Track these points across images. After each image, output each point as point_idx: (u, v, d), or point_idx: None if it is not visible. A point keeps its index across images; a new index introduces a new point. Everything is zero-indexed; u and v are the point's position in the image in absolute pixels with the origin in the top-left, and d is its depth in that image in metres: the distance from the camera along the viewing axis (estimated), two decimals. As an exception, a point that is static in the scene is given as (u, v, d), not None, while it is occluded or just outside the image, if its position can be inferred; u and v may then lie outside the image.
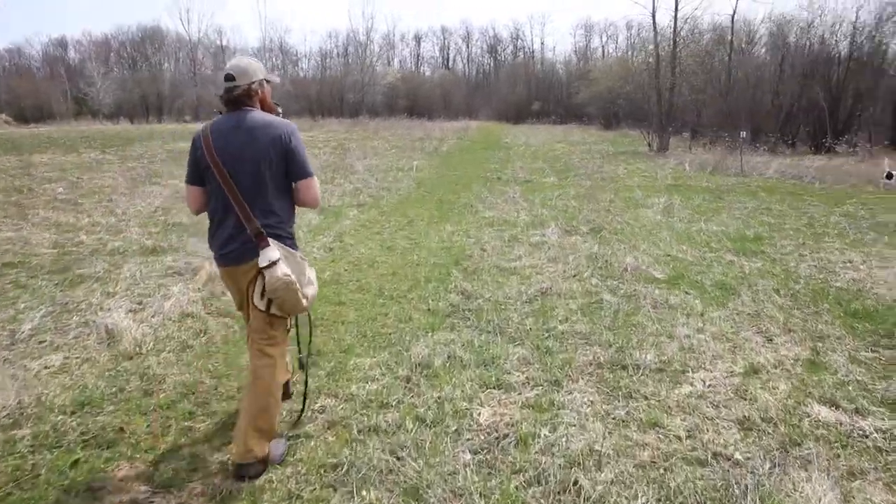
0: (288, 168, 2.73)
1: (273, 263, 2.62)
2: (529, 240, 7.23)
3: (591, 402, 3.39)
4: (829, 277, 5.87)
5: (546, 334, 4.32)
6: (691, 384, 3.61)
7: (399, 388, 3.53)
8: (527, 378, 3.66)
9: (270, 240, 2.67)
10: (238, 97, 2.70)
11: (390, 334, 4.37)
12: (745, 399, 3.44)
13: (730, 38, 25.30)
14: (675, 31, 21.04)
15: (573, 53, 61.62)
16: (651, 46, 21.92)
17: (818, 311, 4.92)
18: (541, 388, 3.54)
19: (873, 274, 5.96)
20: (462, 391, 3.47)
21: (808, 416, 3.26)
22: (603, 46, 65.19)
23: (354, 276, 5.78)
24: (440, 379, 3.63)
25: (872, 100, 22.66)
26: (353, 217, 8.70)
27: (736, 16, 26.25)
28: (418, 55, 68.67)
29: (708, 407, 3.35)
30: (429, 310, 4.84)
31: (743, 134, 15.60)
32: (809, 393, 3.52)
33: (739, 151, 15.36)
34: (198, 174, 2.74)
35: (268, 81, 2.83)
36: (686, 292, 5.32)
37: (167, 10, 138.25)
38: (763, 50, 25.64)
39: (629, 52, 59.28)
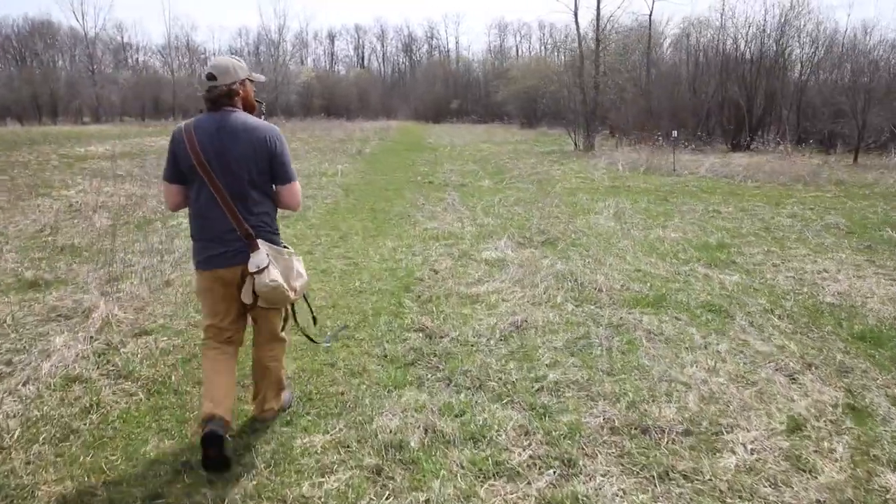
0: (272, 172, 2.77)
1: (261, 270, 2.68)
2: (482, 256, 6.43)
3: (623, 490, 2.60)
4: (814, 291, 5.40)
5: (536, 386, 3.51)
6: (733, 451, 2.89)
7: (368, 486, 2.62)
8: (531, 457, 2.83)
9: (259, 241, 2.72)
10: (219, 97, 2.69)
11: (342, 394, 3.43)
12: (805, 470, 2.76)
13: (648, 37, 25.63)
14: (597, 28, 20.96)
15: (488, 52, 61.86)
16: (575, 44, 21.76)
17: (823, 335, 4.39)
18: (552, 471, 2.72)
19: (855, 286, 5.55)
20: (455, 487, 2.60)
21: (887, 491, 2.62)
22: (517, 46, 65.81)
23: (287, 312, 4.78)
24: (421, 467, 2.74)
25: (781, 99, 23.47)
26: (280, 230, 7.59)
27: (653, 16, 26.69)
28: (332, 54, 66.91)
29: (766, 486, 2.64)
30: (386, 356, 3.93)
31: (675, 133, 15.58)
32: (874, 456, 2.88)
33: (673, 151, 15.26)
34: (178, 172, 2.72)
35: (251, 80, 2.84)
36: (676, 318, 4.67)
37: (58, 1, 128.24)
38: (679, 50, 26.15)
39: (543, 52, 60.26)
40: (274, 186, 2.81)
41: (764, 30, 22.58)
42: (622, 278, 5.67)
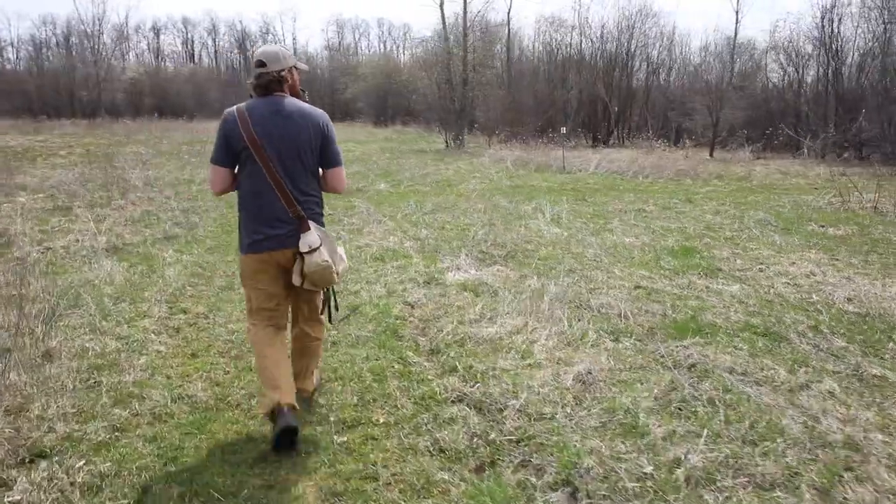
0: (323, 155, 2.83)
1: (313, 250, 2.71)
2: (452, 279, 5.33)
3: None
4: (827, 298, 4.99)
5: (680, 478, 2.53)
6: None
7: None
8: None
9: (310, 222, 2.75)
10: (269, 83, 2.73)
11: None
12: None
13: (508, 33, 25.74)
14: (465, 25, 20.46)
15: (326, 49, 59.65)
16: (426, 40, 21.10)
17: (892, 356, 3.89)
18: None
19: (857, 289, 5.24)
20: None
21: None
22: (356, 43, 64.30)
23: (239, 383, 3.33)
24: None
25: (645, 97, 24.77)
26: (174, 260, 5.88)
27: (512, 14, 26.86)
28: (158, 49, 60.71)
29: None
30: (444, 452, 2.71)
31: (563, 129, 15.43)
32: None
33: (562, 148, 15.08)
34: (229, 155, 2.73)
35: (297, 68, 2.87)
36: (735, 347, 3.93)
37: None
38: (538, 48, 26.61)
39: (383, 49, 59.43)
40: (321, 170, 2.88)
41: (620, 30, 23.54)
42: (630, 298, 4.88)
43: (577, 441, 2.78)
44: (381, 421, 2.98)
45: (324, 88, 48.11)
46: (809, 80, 21.02)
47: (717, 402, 3.16)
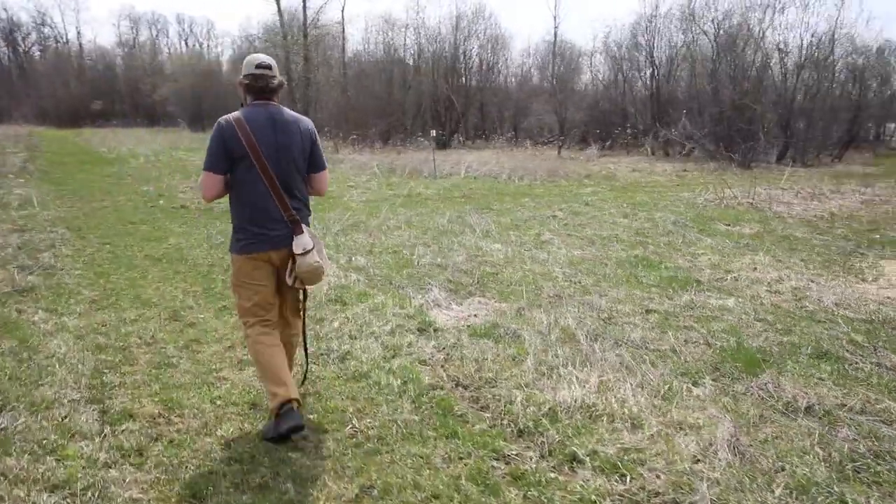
0: (311, 160, 2.97)
1: (307, 252, 2.84)
2: (444, 320, 4.45)
3: None
4: (821, 306, 4.93)
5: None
6: None
7: None
8: None
9: (303, 226, 2.88)
10: (275, 88, 2.86)
11: None
12: None
13: (342, 32, 24.56)
14: (305, 22, 19.04)
15: (119, 46, 53.17)
16: (280, 37, 19.43)
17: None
18: None
19: (835, 291, 5.29)
20: None
21: None
22: (154, 40, 58.20)
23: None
24: None
25: (470, 99, 25.00)
26: (54, 327, 4.21)
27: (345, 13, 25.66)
28: None
29: None
30: None
31: (433, 133, 14.78)
32: None
33: (432, 153, 14.47)
34: (226, 162, 2.79)
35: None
36: (813, 377, 3.58)
37: None
38: (377, 49, 25.76)
39: (184, 47, 54.49)
40: (310, 174, 3.01)
41: (457, 29, 23.58)
42: (655, 326, 4.39)
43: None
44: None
45: (124, 89, 42.71)
46: (638, 83, 22.76)
47: (890, 458, 2.72)
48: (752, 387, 3.45)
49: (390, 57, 24.93)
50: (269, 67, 2.83)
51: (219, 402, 3.22)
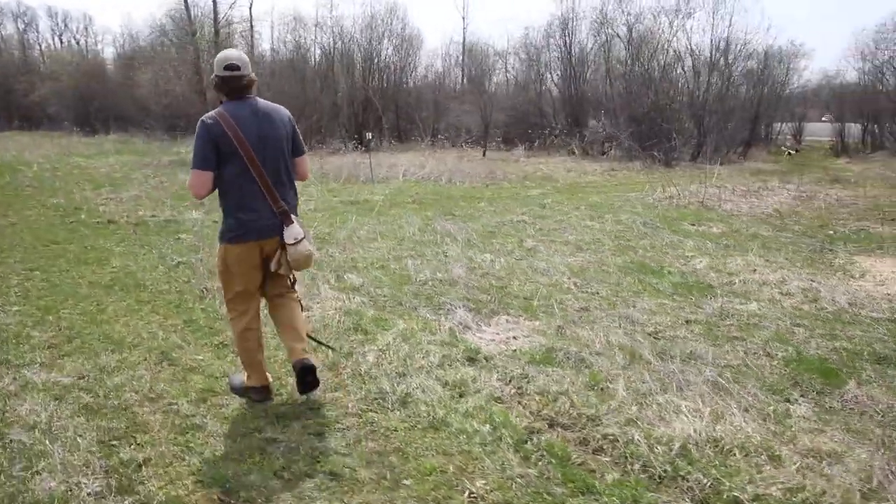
0: (293, 146, 3.09)
1: (299, 241, 2.98)
2: (487, 346, 4.01)
3: None
4: (839, 307, 4.94)
5: None
6: None
7: None
8: None
9: (292, 216, 3.01)
10: (243, 87, 2.93)
11: None
12: None
13: (249, 31, 23.20)
14: (215, 18, 17.76)
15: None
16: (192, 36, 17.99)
17: None
18: None
19: (846, 289, 5.33)
20: None
21: None
22: (22, 34, 52.84)
23: None
24: None
25: (389, 100, 24.42)
26: None
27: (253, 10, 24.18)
28: None
29: None
30: None
31: (369, 135, 14.06)
32: None
33: (369, 156, 13.79)
34: (215, 159, 2.86)
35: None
36: (896, 386, 3.48)
37: None
38: (283, 46, 24.51)
39: (58, 44, 49.93)
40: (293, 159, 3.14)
41: (372, 29, 22.97)
42: (706, 339, 4.18)
43: None
44: None
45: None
46: (555, 85, 23.07)
47: None
48: (844, 401, 3.30)
49: (302, 56, 23.89)
50: (237, 68, 2.90)
51: (286, 476, 2.61)
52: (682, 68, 19.68)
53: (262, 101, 2.98)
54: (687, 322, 4.52)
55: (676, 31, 19.91)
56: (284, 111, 3.06)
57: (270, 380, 3.22)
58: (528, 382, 3.42)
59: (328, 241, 7.17)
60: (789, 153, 22.07)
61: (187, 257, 6.36)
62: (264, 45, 24.51)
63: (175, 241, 7.21)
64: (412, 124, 25.23)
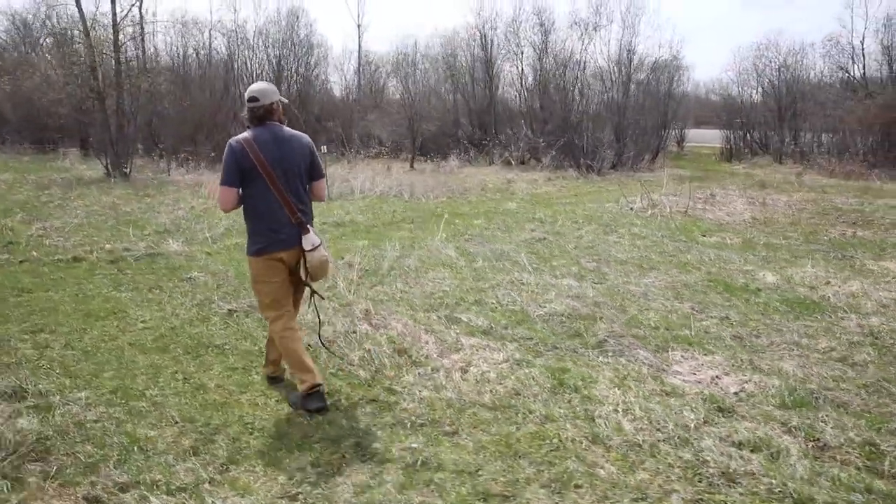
0: (311, 169, 3.45)
1: (316, 247, 3.36)
2: (721, 398, 3.65)
3: None
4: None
5: None
6: None
7: None
8: None
9: (308, 226, 3.37)
10: (263, 114, 3.31)
11: None
12: None
13: (141, 33, 20.83)
14: (114, 18, 15.75)
15: None
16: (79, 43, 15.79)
17: None
18: None
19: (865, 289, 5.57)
20: None
21: None
22: None
23: None
24: None
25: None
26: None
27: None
28: None
29: None
30: None
31: (324, 148, 12.95)
32: None
33: (324, 165, 12.73)
34: (239, 178, 3.28)
35: (281, 101, 3.39)
36: None
37: None
38: (181, 50, 22.33)
39: None
40: (310, 182, 3.49)
41: (280, 33, 21.67)
42: (873, 365, 4.10)
43: None
44: None
45: None
46: (470, 95, 22.99)
47: None
48: None
49: (203, 63, 22.02)
50: (256, 100, 3.29)
51: None
52: (603, 79, 20.45)
53: (286, 129, 3.38)
54: (858, 344, 4.44)
55: (589, 44, 20.67)
56: (306, 138, 3.46)
57: (321, 380, 3.40)
58: (821, 433, 3.10)
59: (375, 272, 6.40)
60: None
61: (234, 303, 5.37)
62: (154, 48, 22.16)
63: (189, 282, 6.09)
64: (325, 135, 24.10)
